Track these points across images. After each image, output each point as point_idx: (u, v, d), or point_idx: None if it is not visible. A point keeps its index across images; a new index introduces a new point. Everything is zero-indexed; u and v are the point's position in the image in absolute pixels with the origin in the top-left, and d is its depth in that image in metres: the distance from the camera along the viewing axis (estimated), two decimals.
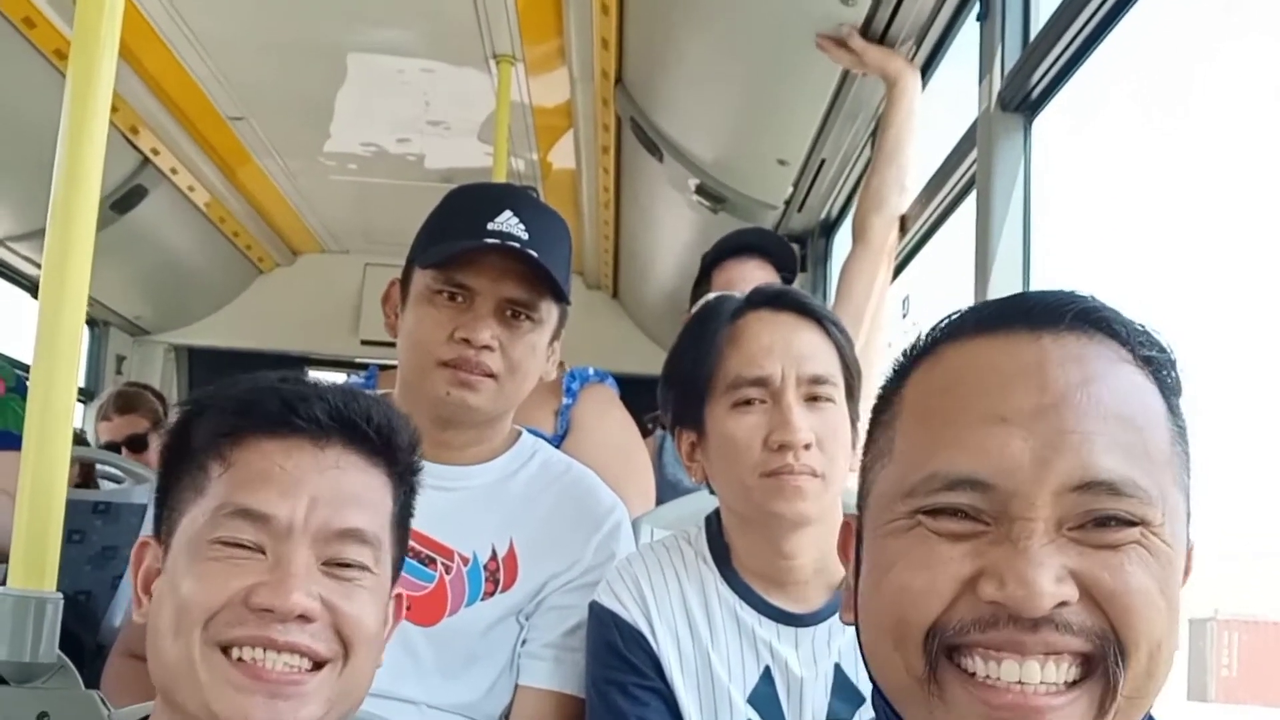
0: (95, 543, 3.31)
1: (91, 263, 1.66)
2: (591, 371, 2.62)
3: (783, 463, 1.59)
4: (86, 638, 2.95)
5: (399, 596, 1.31)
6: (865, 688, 1.63)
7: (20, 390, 2.66)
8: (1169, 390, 0.89)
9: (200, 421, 1.24)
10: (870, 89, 2.93)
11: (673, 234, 4.46)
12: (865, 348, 2.61)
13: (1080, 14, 1.98)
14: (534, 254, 1.74)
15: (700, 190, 3.77)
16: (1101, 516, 0.83)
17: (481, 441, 1.87)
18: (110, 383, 5.65)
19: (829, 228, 3.89)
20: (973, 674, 0.83)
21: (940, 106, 2.89)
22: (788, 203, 3.77)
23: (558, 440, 2.40)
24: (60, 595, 1.58)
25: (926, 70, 2.80)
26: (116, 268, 5.17)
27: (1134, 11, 1.95)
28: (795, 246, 3.28)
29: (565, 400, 2.51)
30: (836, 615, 1.65)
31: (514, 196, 1.84)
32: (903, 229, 2.78)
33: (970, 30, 2.50)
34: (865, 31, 2.71)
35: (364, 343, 5.94)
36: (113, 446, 4.21)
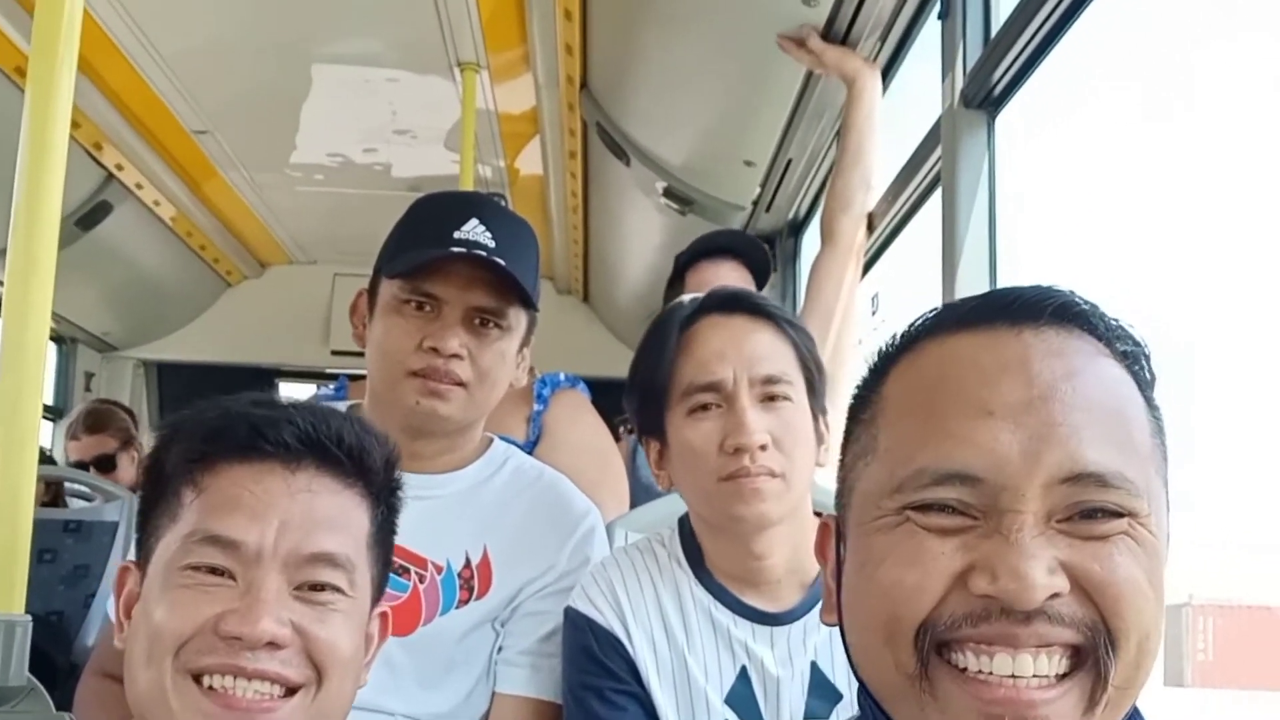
0: (67, 561, 3.29)
1: (56, 279, 1.65)
2: (562, 377, 2.62)
3: (739, 466, 1.59)
4: (59, 658, 2.93)
5: (383, 615, 1.31)
6: (842, 685, 1.64)
7: None
8: (1144, 383, 0.89)
9: (173, 447, 1.23)
10: (835, 88, 2.94)
11: (642, 237, 4.47)
12: (836, 346, 2.63)
13: (1040, 11, 1.99)
14: (501, 262, 1.73)
15: (668, 193, 3.78)
16: (1089, 509, 0.83)
17: (453, 450, 1.87)
18: (79, 400, 5.62)
19: (797, 227, 3.90)
20: (964, 669, 0.83)
21: (904, 105, 2.90)
22: (755, 203, 3.77)
23: (530, 447, 2.40)
24: (29, 617, 1.57)
25: (890, 69, 2.81)
26: (83, 284, 5.14)
27: (1117, 7, 1.96)
28: (764, 247, 3.29)
29: (537, 406, 2.51)
30: (811, 613, 1.66)
31: (480, 204, 1.83)
32: (870, 227, 2.79)
33: (932, 28, 2.52)
34: (828, 31, 2.72)
35: (334, 353, 5.91)
36: (82, 465, 4.18)
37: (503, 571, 1.82)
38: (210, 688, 1.14)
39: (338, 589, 1.19)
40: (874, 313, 3.06)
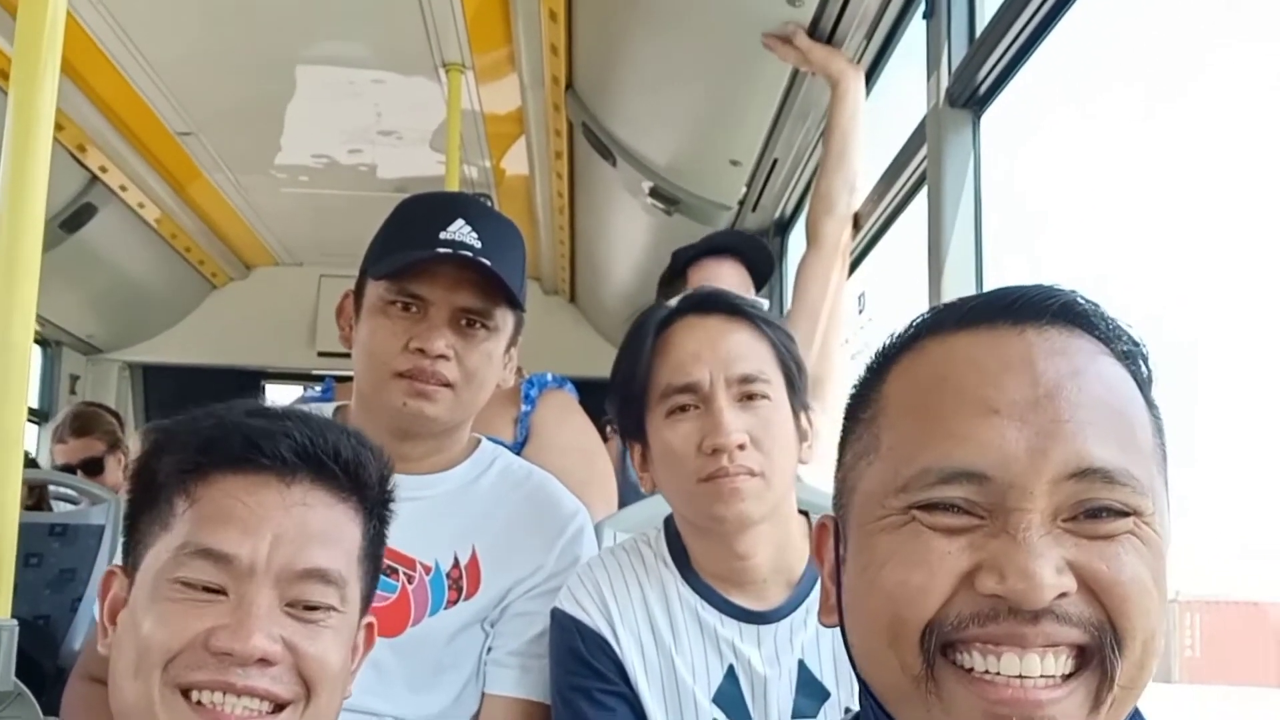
0: (53, 565, 3.28)
1: (40, 282, 1.65)
2: (550, 377, 2.61)
3: (718, 466, 1.59)
4: (46, 662, 2.92)
5: (369, 625, 1.30)
6: (830, 684, 1.64)
7: None
8: (1143, 383, 0.90)
9: (166, 455, 1.22)
10: (820, 88, 2.94)
11: (628, 237, 4.47)
12: (823, 345, 2.63)
13: (1024, 9, 2.00)
14: (487, 262, 1.73)
15: (654, 193, 3.78)
16: (1094, 508, 0.83)
17: (440, 451, 1.86)
18: (65, 403, 5.60)
19: (783, 227, 3.91)
20: (970, 670, 0.83)
21: (890, 104, 2.91)
22: (742, 203, 3.78)
23: (518, 447, 2.40)
24: (14, 622, 1.56)
25: (875, 68, 2.82)
26: (67, 287, 5.13)
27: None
28: (768, 250, 3.29)
29: (524, 407, 2.51)
30: (798, 612, 1.66)
31: (466, 205, 1.83)
32: (856, 226, 2.79)
33: (917, 28, 2.52)
34: (813, 31, 2.73)
35: (321, 354, 5.90)
36: (68, 469, 4.16)
37: (491, 572, 1.82)
38: (199, 703, 1.13)
39: (329, 606, 1.19)
40: (860, 311, 3.06)
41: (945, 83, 2.31)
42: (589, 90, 3.65)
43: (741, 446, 1.59)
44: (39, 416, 5.53)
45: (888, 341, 0.95)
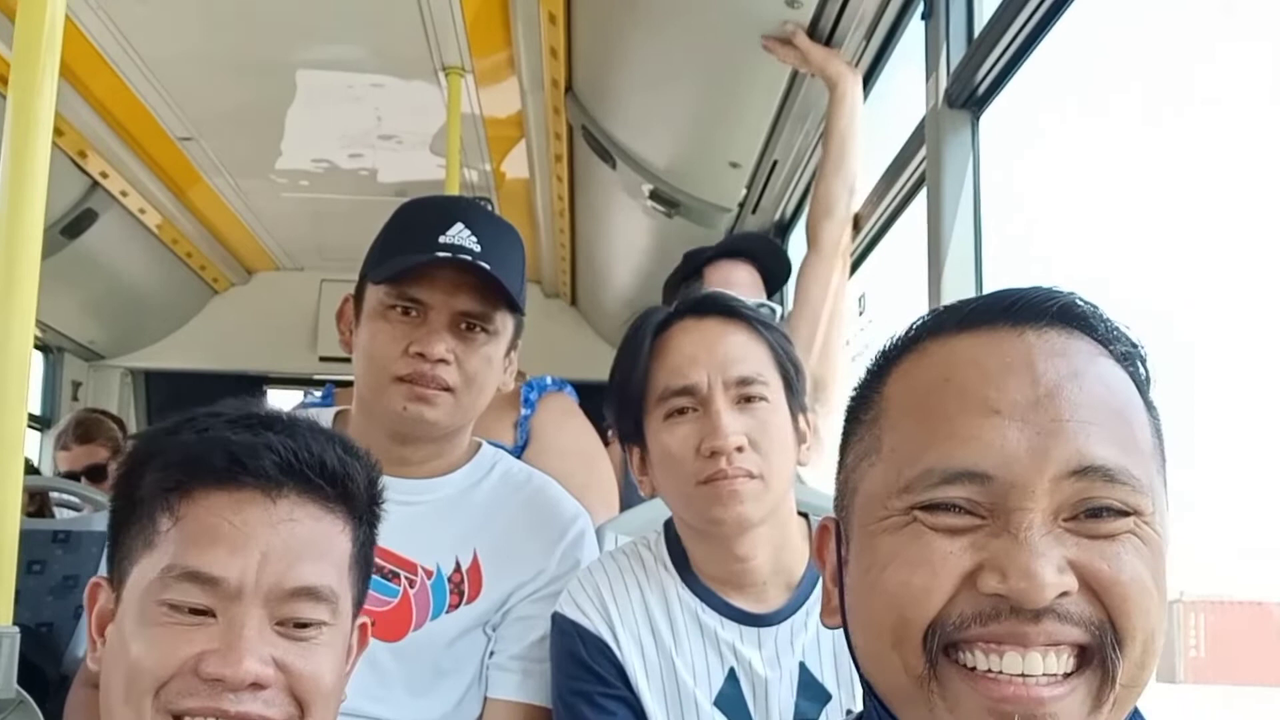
0: (56, 572, 3.27)
1: (41, 288, 1.64)
2: (549, 380, 2.61)
3: (716, 468, 1.59)
4: (49, 670, 2.91)
5: (363, 626, 1.29)
6: (830, 686, 1.64)
7: None
8: (1142, 385, 0.90)
9: (148, 471, 1.19)
10: (819, 90, 2.94)
11: (628, 240, 4.47)
12: (824, 347, 2.64)
13: (1022, 10, 2.00)
14: (486, 266, 1.73)
15: (654, 195, 3.78)
16: (1095, 507, 0.83)
17: (441, 455, 1.86)
18: (67, 409, 5.59)
19: (784, 229, 3.90)
20: (973, 669, 0.83)
21: (889, 105, 2.91)
22: (742, 205, 3.78)
23: (518, 451, 2.40)
24: (17, 629, 1.56)
25: (874, 69, 2.82)
26: (69, 293, 5.13)
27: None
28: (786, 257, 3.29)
29: (524, 411, 2.50)
30: (798, 614, 1.66)
31: (465, 209, 1.83)
32: (856, 227, 2.80)
33: (916, 29, 2.52)
34: (812, 32, 2.73)
35: (322, 359, 5.90)
36: (72, 476, 4.16)
37: (493, 576, 1.82)
38: None
39: (321, 623, 1.17)
40: (861, 313, 3.07)
41: (944, 83, 2.31)
42: (589, 93, 3.66)
43: (740, 449, 1.59)
44: (40, 423, 5.53)
45: (888, 344, 0.96)
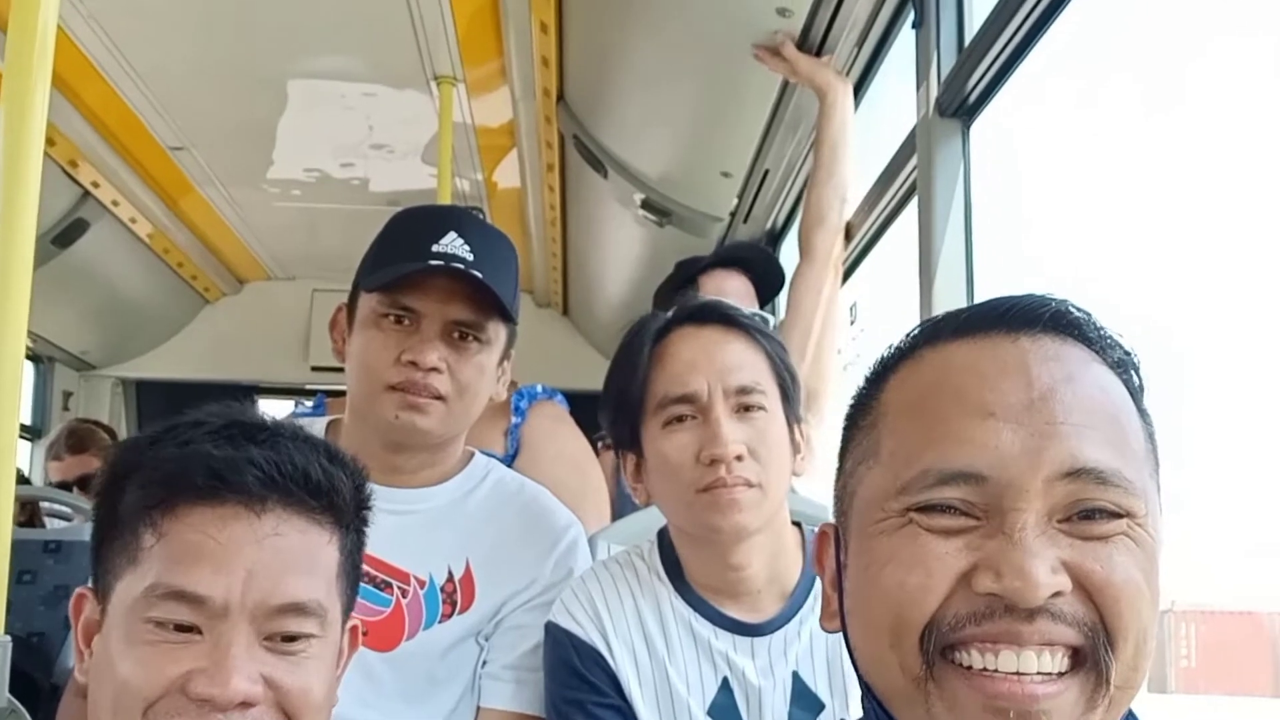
0: (47, 582, 3.26)
1: (33, 298, 1.64)
2: (540, 389, 2.61)
3: (716, 477, 1.59)
4: (41, 679, 2.90)
5: (354, 629, 1.28)
6: (824, 694, 1.64)
7: None
8: (1135, 391, 0.92)
9: (129, 486, 1.17)
10: (810, 99, 2.95)
11: (620, 249, 4.47)
12: (816, 357, 2.64)
13: (1013, 19, 2.01)
14: (479, 275, 1.73)
15: (646, 205, 3.78)
16: (1088, 508, 0.85)
17: (434, 464, 1.86)
18: (58, 419, 5.58)
19: (775, 238, 3.91)
20: (969, 667, 0.84)
21: (880, 114, 2.92)
22: (733, 214, 3.78)
23: (509, 459, 2.39)
24: (9, 639, 1.56)
25: (865, 78, 2.83)
26: (60, 303, 5.12)
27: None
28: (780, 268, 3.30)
29: (514, 419, 2.50)
30: (791, 623, 1.66)
31: (458, 218, 1.83)
32: (848, 236, 2.80)
33: (907, 38, 2.53)
34: (803, 42, 2.74)
35: (314, 369, 5.89)
36: (65, 486, 4.16)
37: (486, 585, 1.82)
38: None
39: (310, 635, 1.16)
40: (853, 322, 3.07)
41: (935, 92, 2.32)
42: (580, 102, 3.66)
43: (739, 457, 1.59)
44: (32, 433, 5.52)
45: (887, 352, 0.98)
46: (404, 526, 1.78)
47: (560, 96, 3.70)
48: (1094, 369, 0.90)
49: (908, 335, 0.97)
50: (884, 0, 2.59)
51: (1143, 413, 0.92)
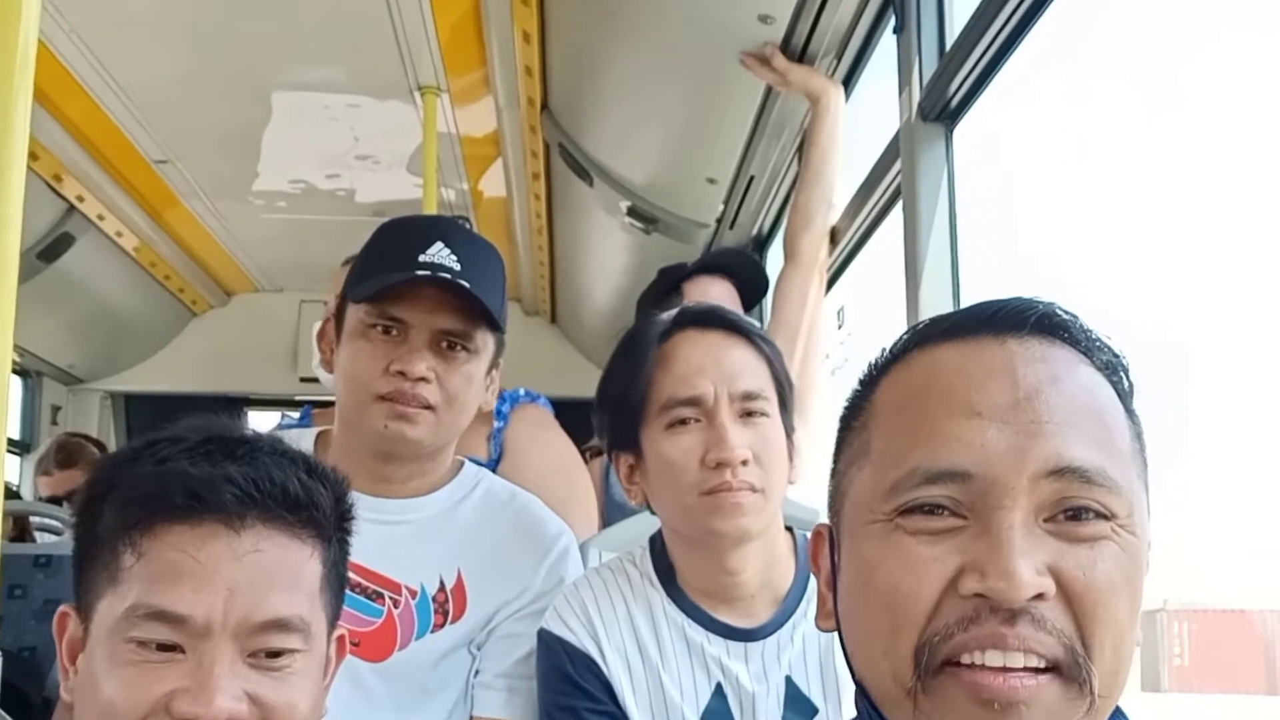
0: (38, 597, 3.25)
1: (19, 313, 1.64)
2: (522, 392, 2.59)
3: (721, 480, 1.60)
4: (33, 693, 2.90)
5: (340, 638, 1.28)
6: (817, 699, 1.64)
7: None
8: (1124, 393, 0.93)
9: (108, 506, 1.17)
10: (794, 105, 2.96)
11: (607, 257, 4.47)
12: (802, 362, 2.64)
13: (994, 22, 2.01)
14: (466, 284, 1.73)
15: (632, 212, 3.78)
16: (1074, 508, 0.85)
17: (423, 474, 1.86)
18: (46, 434, 5.57)
19: (761, 244, 3.92)
20: (956, 663, 0.85)
21: (864, 119, 2.93)
22: (719, 221, 3.79)
23: (493, 465, 2.38)
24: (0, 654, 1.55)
25: (848, 84, 2.83)
26: (46, 317, 5.11)
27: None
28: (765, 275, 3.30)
29: (496, 424, 2.49)
30: (785, 628, 1.66)
31: (445, 227, 1.83)
32: (833, 241, 2.81)
33: (888, 43, 2.54)
34: (785, 48, 2.74)
35: (303, 380, 5.87)
36: (54, 500, 4.14)
37: (477, 595, 1.82)
38: None
39: (294, 650, 1.15)
40: (839, 326, 3.08)
41: (917, 97, 2.33)
42: (564, 111, 3.67)
43: (745, 462, 1.60)
44: (20, 447, 5.50)
45: (878, 356, 0.99)
46: (395, 537, 1.77)
47: (544, 105, 3.71)
48: (1081, 370, 0.91)
49: (898, 339, 0.98)
50: (865, 5, 2.60)
51: (1131, 414, 0.92)
